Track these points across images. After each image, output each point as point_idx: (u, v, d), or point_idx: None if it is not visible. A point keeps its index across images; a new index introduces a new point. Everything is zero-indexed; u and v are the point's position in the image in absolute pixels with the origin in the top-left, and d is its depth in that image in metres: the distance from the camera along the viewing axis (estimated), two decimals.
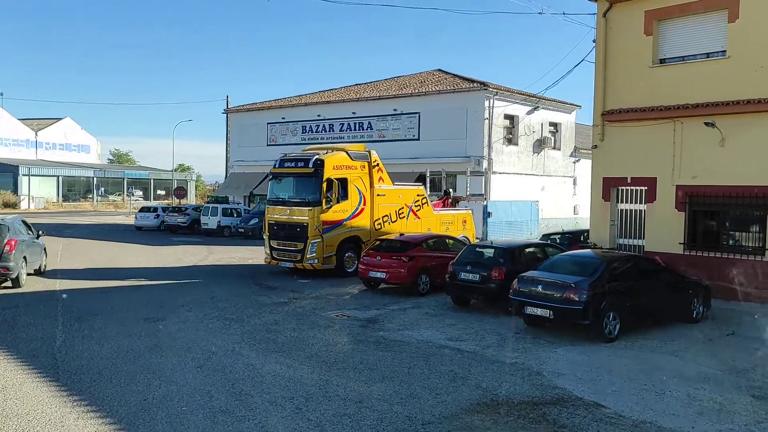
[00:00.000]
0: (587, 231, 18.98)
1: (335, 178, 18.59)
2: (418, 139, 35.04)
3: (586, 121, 41.08)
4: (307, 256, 18.29)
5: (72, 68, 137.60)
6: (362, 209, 19.58)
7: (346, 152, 19.62)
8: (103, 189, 72.33)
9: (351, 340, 11.12)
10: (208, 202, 46.07)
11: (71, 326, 11.64)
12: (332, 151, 19.68)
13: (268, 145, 42.65)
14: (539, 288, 11.39)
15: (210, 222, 35.29)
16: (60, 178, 67.90)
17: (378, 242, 17.02)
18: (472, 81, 34.09)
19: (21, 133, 73.12)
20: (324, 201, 18.36)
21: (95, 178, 71.47)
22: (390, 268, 15.70)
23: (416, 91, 35.61)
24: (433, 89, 34.63)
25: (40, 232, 18.50)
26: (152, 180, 77.34)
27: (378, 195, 20.23)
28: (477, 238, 24.66)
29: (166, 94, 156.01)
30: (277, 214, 19.32)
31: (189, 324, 12.12)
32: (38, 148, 74.41)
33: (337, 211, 18.76)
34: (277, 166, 19.78)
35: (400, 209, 20.90)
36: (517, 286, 11.80)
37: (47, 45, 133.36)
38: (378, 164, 20.65)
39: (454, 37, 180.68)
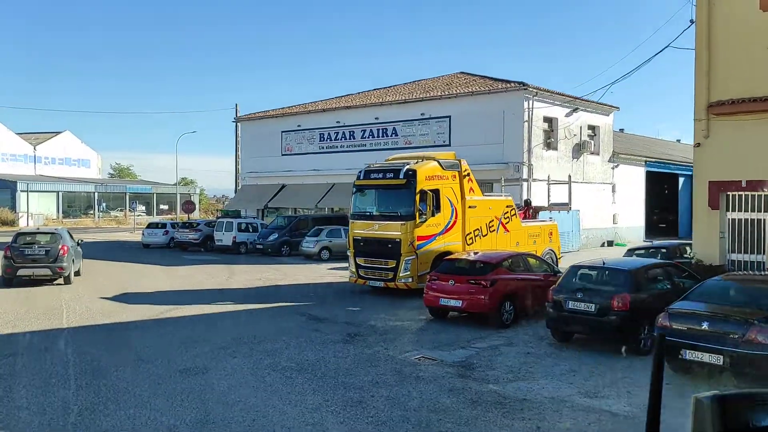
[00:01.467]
0: (683, 244, 16.32)
1: (428, 190, 17.05)
2: (449, 145, 32.32)
3: (622, 125, 38.51)
4: (401, 275, 16.78)
5: (70, 77, 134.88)
6: (454, 222, 17.89)
7: (437, 161, 18.02)
8: (104, 204, 69.59)
9: (462, 401, 8.36)
10: (219, 217, 43.37)
11: (88, 386, 8.89)
12: (421, 160, 18.08)
13: (282, 154, 40.04)
14: (704, 326, 8.67)
15: (224, 238, 32.55)
16: (60, 193, 65.14)
17: (448, 262, 14.26)
18: (508, 81, 31.47)
19: (19, 148, 70.42)
20: (417, 214, 16.84)
21: (96, 193, 68.71)
22: (467, 295, 12.97)
23: (446, 93, 32.99)
24: (465, 90, 32.01)
25: (80, 240, 21.83)
26: (155, 194, 74.57)
27: (469, 207, 18.42)
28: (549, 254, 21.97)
29: (167, 105, 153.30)
30: (363, 229, 17.85)
31: (239, 377, 9.37)
32: (37, 162, 71.69)
33: (430, 225, 17.17)
34: (361, 177, 18.36)
35: (490, 222, 19.26)
36: (667, 322, 9.07)
37: (47, 52, 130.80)
38: (468, 174, 18.91)
39: (475, 37, 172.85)
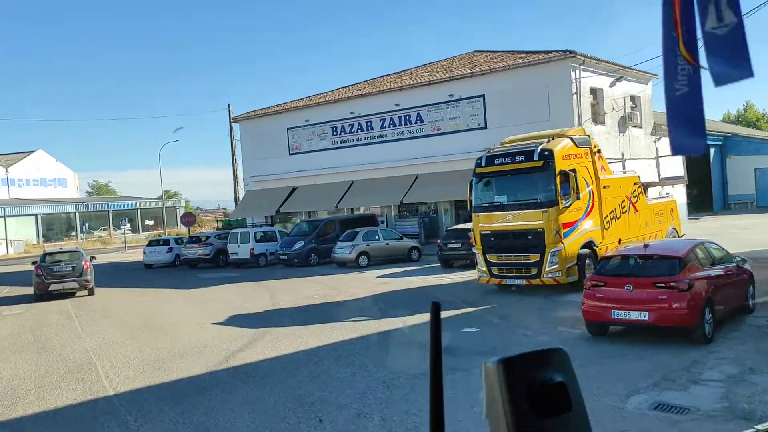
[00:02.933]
0: None
1: (568, 170, 15.21)
2: (485, 128, 29.01)
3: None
4: (546, 269, 15.06)
5: (39, 97, 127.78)
6: (592, 206, 16.06)
7: (570, 138, 16.16)
8: (87, 224, 65.13)
9: None
10: (223, 228, 39.56)
11: None
12: (551, 138, 16.17)
13: (290, 154, 36.32)
14: None
15: (241, 251, 28.84)
16: (38, 216, 60.59)
17: (613, 261, 10.78)
18: (548, 52, 28.11)
19: None
20: (560, 199, 15.03)
21: (77, 213, 64.24)
22: (655, 304, 9.56)
23: (478, 69, 29.55)
24: (500, 65, 28.62)
25: (92, 257, 23.46)
26: (138, 210, 70.16)
27: (603, 187, 16.58)
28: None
29: (145, 113, 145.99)
30: (492, 222, 16.09)
31: None
32: (11, 185, 66.90)
33: (573, 211, 15.37)
34: (482, 164, 16.45)
35: (622, 202, 17.43)
36: None
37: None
38: (599, 150, 17.13)
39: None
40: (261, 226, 34.26)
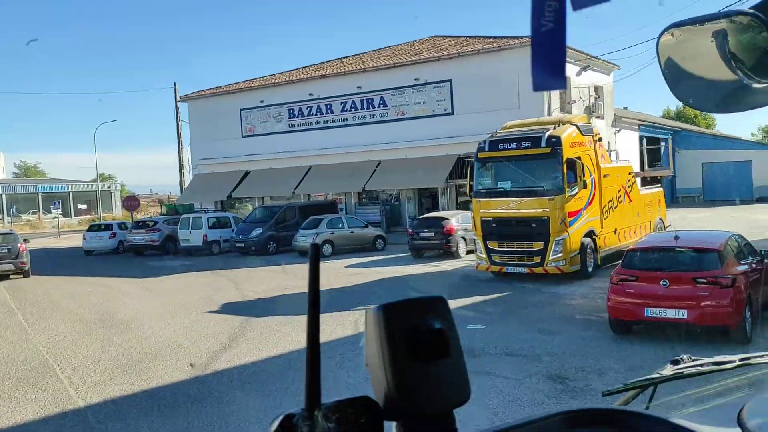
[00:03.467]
0: None
1: (575, 158, 14.92)
2: (452, 114, 28.14)
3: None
4: (550, 258, 14.86)
5: None
6: (594, 194, 15.82)
7: (575, 125, 15.87)
8: (14, 207, 61.13)
9: None
10: (167, 213, 37.43)
11: None
12: (558, 125, 15.84)
13: (244, 136, 34.57)
14: None
15: (192, 237, 27.07)
16: None
17: (644, 253, 9.89)
18: (518, 37, 27.36)
19: None
20: (567, 187, 14.79)
21: (4, 195, 60.22)
22: (696, 301, 8.78)
23: (445, 53, 28.58)
24: (468, 49, 27.72)
25: (27, 240, 22.89)
26: (71, 193, 66.37)
27: (604, 176, 16.34)
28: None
29: (80, 89, 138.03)
30: (495, 208, 15.80)
31: None
32: None
33: (578, 199, 15.16)
34: (486, 149, 16.05)
35: (618, 191, 17.23)
36: None
37: None
38: (600, 139, 16.94)
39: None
40: (214, 211, 32.39)
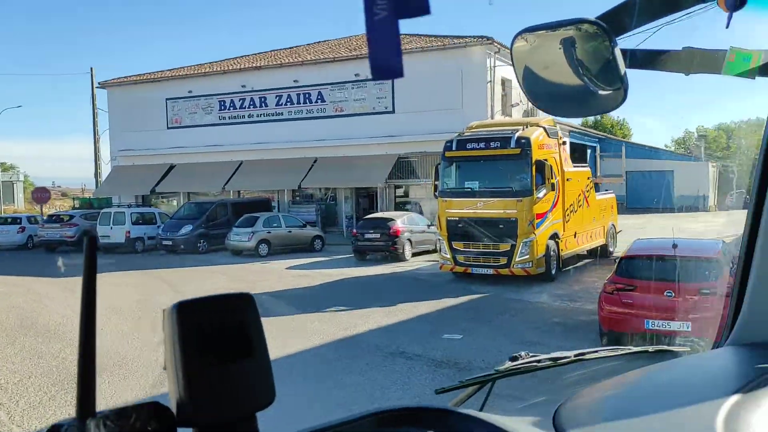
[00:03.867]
0: None
1: (543, 160, 14.95)
2: (393, 112, 27.47)
3: None
4: (517, 260, 14.78)
5: None
6: (558, 197, 15.74)
7: (543, 128, 15.82)
8: None
9: None
10: (81, 207, 34.84)
11: None
12: (525, 126, 15.75)
13: (169, 127, 32.65)
14: None
15: (114, 234, 25.10)
16: None
17: (641, 261, 9.37)
18: (462, 37, 27.00)
19: None
20: (535, 189, 14.75)
21: None
22: (699, 313, 8.38)
23: None
24: (413, 46, 27.11)
25: None
26: None
27: (567, 179, 16.28)
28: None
29: None
30: (461, 208, 15.61)
31: None
32: None
33: (544, 201, 15.11)
34: (453, 148, 15.86)
35: (578, 196, 17.20)
36: None
37: None
38: (564, 142, 18.09)
39: None
40: (137, 206, 30.27)
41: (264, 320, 0.89)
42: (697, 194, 45.16)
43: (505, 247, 14.88)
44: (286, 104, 29.63)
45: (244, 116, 30.63)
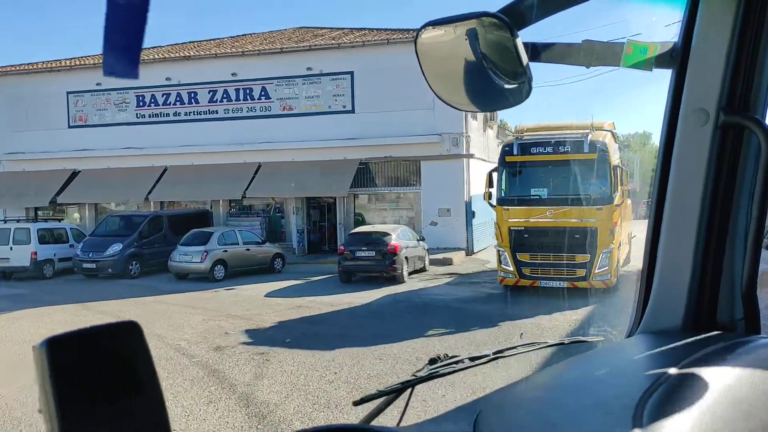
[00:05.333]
0: None
1: (620, 165, 14.69)
2: (352, 112, 24.22)
3: None
4: (596, 271, 13.87)
5: None
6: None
7: (610, 131, 15.20)
8: None
9: None
10: None
11: None
12: (592, 130, 14.40)
13: (71, 126, 27.41)
14: None
15: (14, 256, 20.03)
16: None
17: None
18: None
19: None
20: (616, 196, 13.94)
21: None
22: None
23: (346, 41, 24.56)
24: (378, 38, 24.01)
25: None
26: None
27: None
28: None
29: None
30: (527, 217, 14.57)
31: None
32: None
33: (617, 210, 14.29)
34: (515, 152, 14.80)
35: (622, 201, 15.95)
36: None
37: None
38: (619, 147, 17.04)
39: None
40: (33, 220, 24.82)
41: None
42: None
43: (582, 258, 13.87)
44: (222, 101, 25.50)
45: (168, 114, 26.12)
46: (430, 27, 1.27)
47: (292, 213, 24.69)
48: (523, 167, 14.74)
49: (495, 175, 15.00)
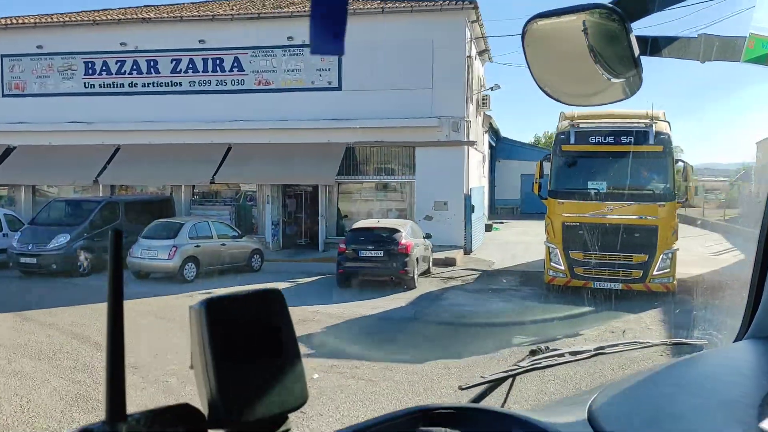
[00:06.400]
0: None
1: (683, 160, 13.82)
2: (339, 89, 21.40)
3: None
4: (655, 273, 12.79)
5: None
6: None
7: (667, 122, 13.83)
8: None
9: None
10: None
11: None
12: (652, 120, 13.21)
13: (6, 95, 23.63)
14: None
15: None
16: None
17: None
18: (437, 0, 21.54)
19: None
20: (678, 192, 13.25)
21: None
22: None
23: None
24: (370, 7, 21.18)
25: None
26: None
27: None
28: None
29: None
30: (583, 212, 13.28)
31: None
32: None
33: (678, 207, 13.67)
34: (572, 141, 13.56)
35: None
36: None
37: None
38: None
39: None
40: None
41: None
42: None
43: (640, 258, 12.99)
44: (186, 72, 22.23)
45: (123, 85, 22.66)
46: (539, 19, 1.25)
47: (267, 202, 21.67)
48: (581, 157, 13.68)
49: (546, 164, 13.99)
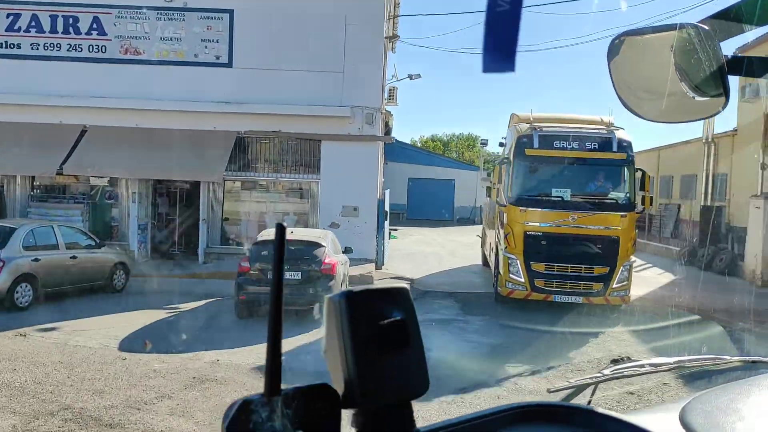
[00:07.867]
0: None
1: (642, 169, 13.15)
2: (229, 65, 17.54)
3: None
4: (614, 286, 12.35)
5: None
6: None
7: (622, 129, 13.08)
8: None
9: None
10: None
11: None
12: (613, 126, 12.97)
13: None
14: None
15: None
16: None
17: None
18: None
19: None
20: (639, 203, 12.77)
21: None
22: None
23: None
24: None
25: None
26: None
27: None
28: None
29: None
30: (546, 221, 12.60)
31: None
32: None
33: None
34: (535, 145, 12.57)
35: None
36: None
37: None
38: None
39: None
40: None
41: None
42: (474, 206, 42.40)
43: (601, 270, 12.57)
44: (28, 32, 17.31)
45: None
46: (625, 36, 1.27)
47: (132, 201, 17.31)
48: (544, 163, 12.86)
49: (504, 168, 13.15)
